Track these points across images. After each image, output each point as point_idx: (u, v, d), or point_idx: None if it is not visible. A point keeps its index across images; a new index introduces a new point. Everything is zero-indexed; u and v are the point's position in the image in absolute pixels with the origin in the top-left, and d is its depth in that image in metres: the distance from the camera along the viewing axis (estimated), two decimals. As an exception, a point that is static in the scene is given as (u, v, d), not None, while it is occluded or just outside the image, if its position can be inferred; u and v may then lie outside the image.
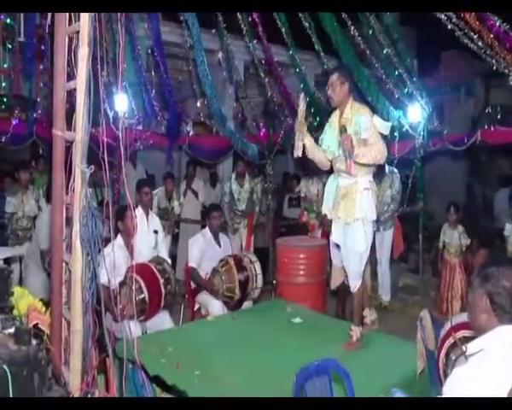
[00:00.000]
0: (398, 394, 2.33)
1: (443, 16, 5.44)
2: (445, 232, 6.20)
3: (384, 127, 3.91)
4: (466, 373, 1.73)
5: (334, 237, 4.15)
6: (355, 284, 4.00)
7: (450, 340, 3.00)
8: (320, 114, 7.75)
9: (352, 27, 6.91)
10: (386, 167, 6.34)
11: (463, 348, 1.88)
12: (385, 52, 6.87)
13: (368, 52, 7.13)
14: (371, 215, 3.92)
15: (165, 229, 6.71)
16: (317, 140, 4.13)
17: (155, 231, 5.16)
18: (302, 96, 4.11)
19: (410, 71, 7.12)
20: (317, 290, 5.53)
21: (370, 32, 6.77)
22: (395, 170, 6.54)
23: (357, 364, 3.21)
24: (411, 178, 7.08)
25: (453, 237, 6.11)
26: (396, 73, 7.00)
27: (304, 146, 3.99)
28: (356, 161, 3.69)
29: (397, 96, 7.13)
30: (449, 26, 5.55)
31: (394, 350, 3.82)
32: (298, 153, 3.97)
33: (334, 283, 4.93)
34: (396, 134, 6.84)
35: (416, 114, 6.84)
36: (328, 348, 3.63)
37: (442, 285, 6.20)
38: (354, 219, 3.84)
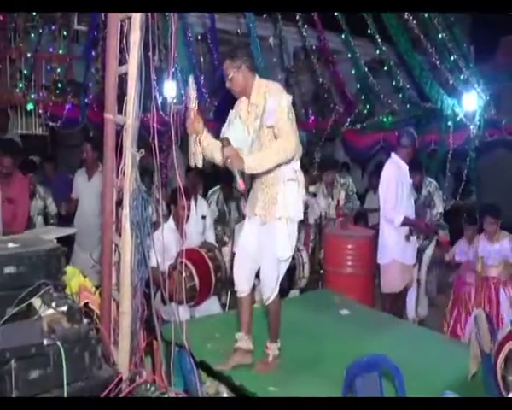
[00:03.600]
0: (450, 395, 2.25)
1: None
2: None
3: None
4: None
5: (242, 239, 3.35)
6: (269, 295, 3.20)
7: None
8: (371, 101, 7.61)
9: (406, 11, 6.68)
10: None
11: None
12: (440, 37, 6.63)
13: (422, 37, 6.88)
14: (297, 214, 3.16)
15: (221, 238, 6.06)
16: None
17: (203, 217, 5.18)
18: (191, 81, 3.11)
19: (467, 57, 6.84)
20: (365, 282, 5.44)
21: (425, 16, 6.53)
22: (434, 182, 5.90)
23: (407, 361, 3.10)
24: (465, 171, 6.78)
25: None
26: (451, 59, 6.74)
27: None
28: (253, 173, 3.03)
29: (451, 83, 6.87)
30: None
31: (446, 350, 3.68)
32: (197, 161, 3.15)
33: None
34: (450, 123, 6.60)
35: (471, 102, 6.55)
36: (377, 343, 3.54)
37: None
38: (275, 217, 3.11)
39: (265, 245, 3.17)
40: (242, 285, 3.30)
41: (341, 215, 6.58)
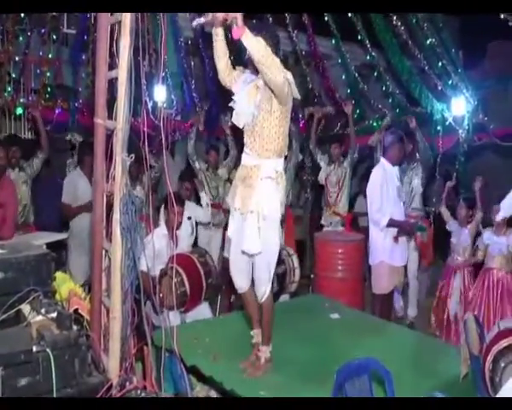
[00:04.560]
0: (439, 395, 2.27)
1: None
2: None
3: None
4: None
5: (229, 231, 3.38)
6: (264, 292, 3.23)
7: (500, 345, 2.85)
8: (361, 106, 7.64)
9: (394, 16, 6.72)
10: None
11: None
12: (428, 42, 6.68)
13: (410, 42, 6.93)
14: (272, 212, 3.12)
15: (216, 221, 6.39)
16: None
17: (189, 218, 5.20)
18: None
19: (455, 62, 6.89)
20: (355, 286, 5.48)
21: (414, 21, 6.58)
22: (421, 147, 6.08)
23: (397, 365, 3.12)
24: (454, 175, 6.82)
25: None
26: (440, 64, 6.79)
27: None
28: (247, 46, 2.85)
29: (440, 88, 6.92)
30: (501, 16, 5.32)
31: (436, 353, 3.69)
32: (194, 23, 3.04)
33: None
34: (439, 128, 6.64)
35: (460, 106, 6.60)
36: (367, 347, 3.56)
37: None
38: (248, 210, 3.11)
39: (240, 239, 3.19)
40: (240, 281, 3.36)
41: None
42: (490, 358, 2.88)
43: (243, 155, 3.29)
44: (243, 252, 3.17)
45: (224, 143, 7.10)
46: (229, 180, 6.74)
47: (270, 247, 3.18)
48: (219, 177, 6.71)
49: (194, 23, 3.06)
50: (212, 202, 6.21)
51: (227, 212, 5.71)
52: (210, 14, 2.94)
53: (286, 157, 3.39)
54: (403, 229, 4.87)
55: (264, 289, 3.23)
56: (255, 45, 2.86)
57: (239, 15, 2.80)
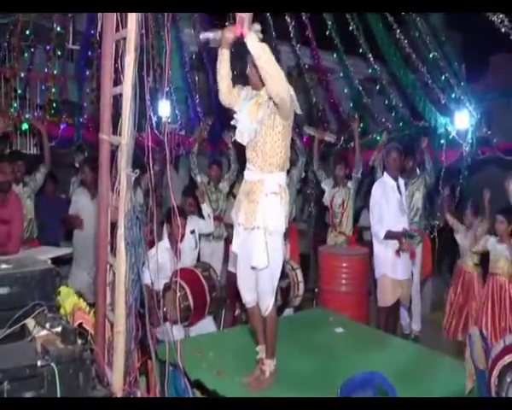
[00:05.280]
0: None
1: (495, 18, 5.25)
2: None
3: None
4: None
5: (234, 246, 3.39)
6: (267, 306, 3.24)
7: (505, 360, 2.85)
8: (365, 120, 7.67)
9: (398, 30, 6.77)
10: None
11: None
12: (431, 56, 6.71)
13: (414, 56, 6.96)
14: (278, 227, 3.16)
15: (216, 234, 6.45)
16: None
17: (192, 231, 5.22)
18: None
19: (458, 75, 6.92)
20: (360, 300, 5.46)
21: (417, 35, 6.62)
22: (428, 168, 6.04)
23: (401, 379, 3.10)
24: (458, 189, 6.81)
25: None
26: (443, 77, 6.82)
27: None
28: (251, 49, 2.90)
29: (443, 101, 6.94)
30: (502, 30, 5.35)
31: (441, 367, 3.66)
32: (201, 35, 3.21)
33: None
34: (442, 141, 6.65)
35: (463, 120, 6.61)
36: (372, 361, 3.55)
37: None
38: (254, 226, 3.14)
39: (246, 254, 3.22)
40: (248, 296, 3.37)
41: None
42: (496, 373, 2.87)
43: (246, 171, 3.30)
44: (252, 267, 3.18)
45: (226, 156, 7.11)
46: (231, 193, 6.89)
47: (275, 260, 3.18)
48: (220, 190, 6.76)
49: (202, 36, 3.14)
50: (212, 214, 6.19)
51: (229, 226, 6.00)
52: (219, 32, 3.04)
53: (288, 171, 3.40)
54: (400, 240, 4.88)
55: (268, 303, 3.24)
56: (259, 49, 2.89)
57: (246, 16, 2.85)
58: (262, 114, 3.13)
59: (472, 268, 5.53)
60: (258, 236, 3.12)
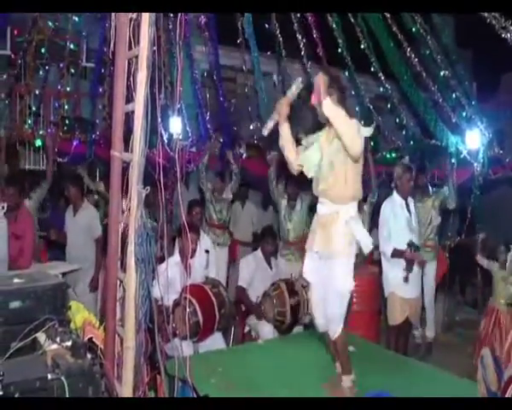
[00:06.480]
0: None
1: (507, 35, 5.20)
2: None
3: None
4: None
5: (305, 273, 3.55)
6: (336, 330, 3.38)
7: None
8: (375, 138, 7.65)
9: (409, 49, 6.78)
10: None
11: None
12: (442, 74, 6.71)
13: (424, 74, 6.96)
14: (365, 248, 3.38)
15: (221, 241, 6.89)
16: (298, 141, 3.55)
17: (206, 251, 5.23)
18: (299, 80, 3.43)
19: (469, 94, 6.90)
20: (370, 319, 5.44)
21: (427, 53, 6.62)
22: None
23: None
24: (470, 209, 6.74)
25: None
26: (453, 96, 6.80)
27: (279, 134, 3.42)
28: (327, 114, 3.08)
29: (454, 120, 6.92)
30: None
31: (452, 388, 3.60)
32: (264, 131, 3.43)
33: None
34: (454, 161, 6.61)
35: (474, 139, 6.55)
36: (382, 380, 3.53)
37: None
38: (337, 253, 3.28)
39: (328, 282, 3.35)
40: (319, 320, 3.54)
41: None
42: (508, 395, 2.84)
43: (318, 205, 3.42)
44: (337, 292, 3.31)
45: (229, 170, 7.37)
46: (233, 201, 7.53)
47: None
48: (224, 200, 7.12)
49: (266, 131, 3.39)
50: (217, 223, 6.99)
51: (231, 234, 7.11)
52: (275, 115, 3.35)
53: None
54: (404, 258, 4.87)
55: (336, 328, 3.38)
56: (335, 112, 3.08)
57: (322, 83, 3.05)
58: (332, 150, 3.27)
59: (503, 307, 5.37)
60: (341, 263, 3.28)
